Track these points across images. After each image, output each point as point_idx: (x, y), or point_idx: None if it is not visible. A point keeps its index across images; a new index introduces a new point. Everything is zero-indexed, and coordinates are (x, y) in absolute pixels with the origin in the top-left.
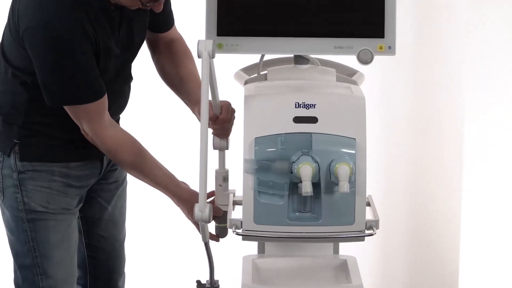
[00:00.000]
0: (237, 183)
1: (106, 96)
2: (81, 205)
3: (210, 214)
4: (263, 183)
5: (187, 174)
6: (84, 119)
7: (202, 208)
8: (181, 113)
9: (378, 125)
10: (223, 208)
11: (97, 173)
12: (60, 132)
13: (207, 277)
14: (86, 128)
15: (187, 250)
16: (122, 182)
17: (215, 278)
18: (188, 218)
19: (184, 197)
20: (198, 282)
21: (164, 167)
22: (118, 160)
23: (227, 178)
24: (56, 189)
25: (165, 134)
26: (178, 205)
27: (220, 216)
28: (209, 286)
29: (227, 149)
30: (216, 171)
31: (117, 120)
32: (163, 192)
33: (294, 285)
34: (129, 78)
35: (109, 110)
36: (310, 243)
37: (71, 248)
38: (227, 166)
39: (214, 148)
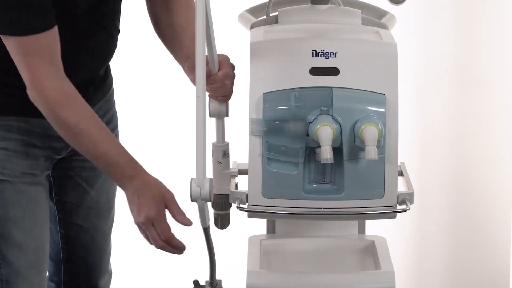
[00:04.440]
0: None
1: (54, 32)
2: (48, 172)
3: (211, 191)
4: (274, 148)
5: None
6: (21, 61)
7: (200, 183)
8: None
9: (412, 79)
10: (222, 191)
11: None
12: (17, 79)
13: (206, 276)
14: (24, 76)
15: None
16: None
17: (218, 277)
18: (137, 222)
19: (142, 183)
20: (196, 282)
21: (120, 146)
22: (60, 120)
23: (228, 153)
24: (14, 149)
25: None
26: (131, 197)
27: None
28: (209, 287)
29: (227, 115)
30: (214, 145)
31: (95, 77)
32: (114, 180)
33: (310, 272)
34: (112, 28)
35: (81, 67)
36: (330, 221)
37: (36, 226)
38: (226, 139)
39: (211, 115)
